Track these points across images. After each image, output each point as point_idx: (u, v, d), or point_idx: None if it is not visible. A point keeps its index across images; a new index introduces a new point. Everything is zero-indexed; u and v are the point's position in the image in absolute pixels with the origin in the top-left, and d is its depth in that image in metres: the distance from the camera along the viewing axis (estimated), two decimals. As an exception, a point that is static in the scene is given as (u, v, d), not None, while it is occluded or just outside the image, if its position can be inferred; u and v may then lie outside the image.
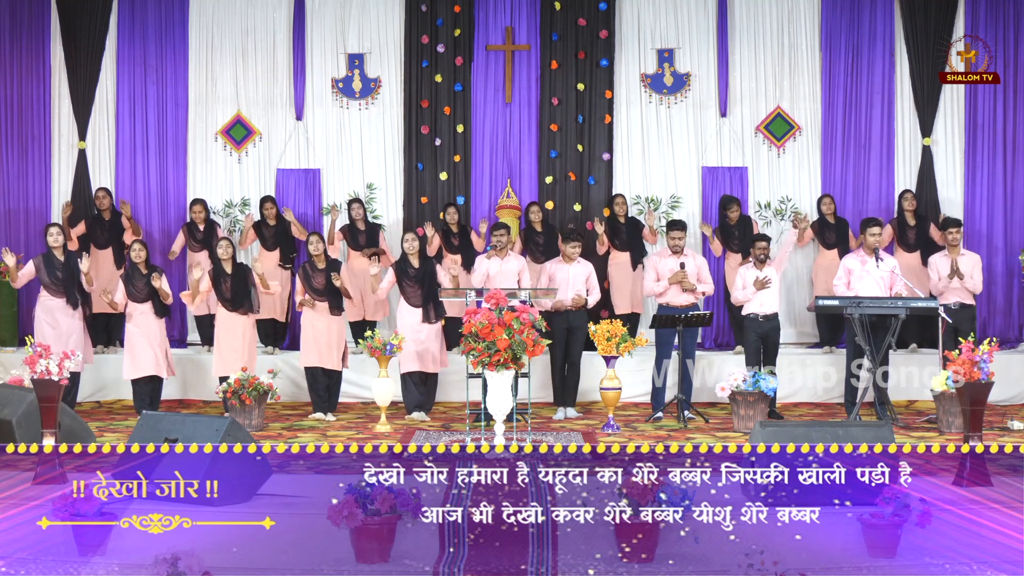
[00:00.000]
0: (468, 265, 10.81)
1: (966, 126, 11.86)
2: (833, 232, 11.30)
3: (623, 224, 11.35)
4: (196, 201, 11.35)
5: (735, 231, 11.27)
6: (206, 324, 10.99)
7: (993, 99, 11.76)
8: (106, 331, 11.07)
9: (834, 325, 11.15)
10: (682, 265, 9.77)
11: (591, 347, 9.57)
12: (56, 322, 9.84)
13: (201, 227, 11.22)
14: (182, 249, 11.31)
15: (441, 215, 11.43)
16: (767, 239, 9.94)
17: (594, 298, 10.08)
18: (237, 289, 9.75)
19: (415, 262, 9.85)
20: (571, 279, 9.94)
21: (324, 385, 9.86)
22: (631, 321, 10.93)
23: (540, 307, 9.52)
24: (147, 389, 9.77)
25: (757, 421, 7.84)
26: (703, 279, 9.93)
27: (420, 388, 9.79)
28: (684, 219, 11.10)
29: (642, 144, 11.96)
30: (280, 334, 11.33)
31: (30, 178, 11.83)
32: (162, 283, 9.72)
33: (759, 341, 9.74)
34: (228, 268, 9.79)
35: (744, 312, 9.88)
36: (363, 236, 11.19)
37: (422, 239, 10.30)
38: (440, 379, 10.21)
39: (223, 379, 9.53)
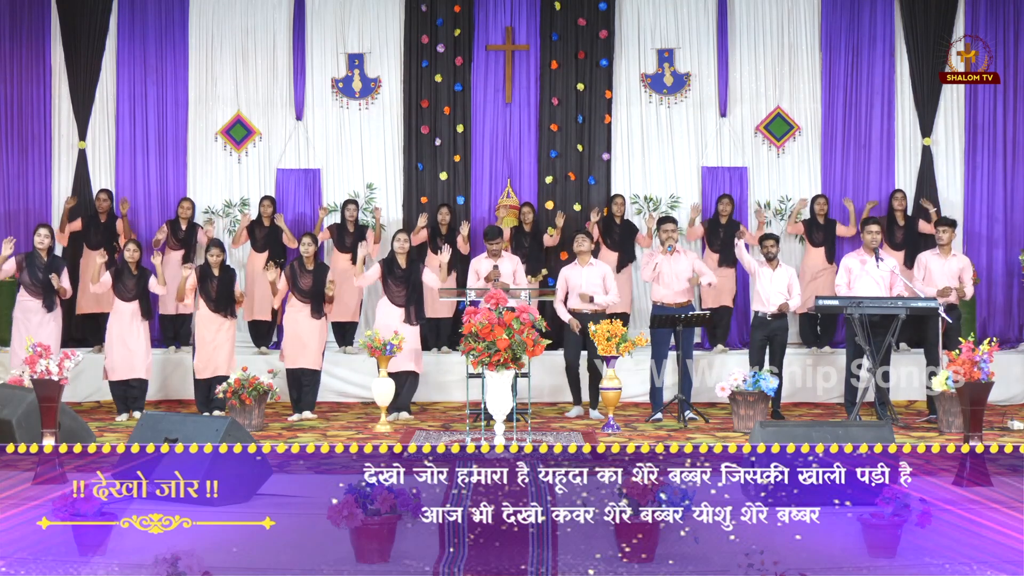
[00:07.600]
0: (450, 268, 10.68)
1: (966, 126, 11.85)
2: (821, 232, 11.36)
3: (618, 225, 11.36)
4: (186, 199, 11.37)
5: (720, 232, 11.27)
6: (168, 324, 11.11)
7: (993, 99, 11.76)
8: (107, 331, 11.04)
9: (827, 327, 11.16)
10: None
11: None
12: (32, 324, 9.78)
13: (183, 226, 11.22)
14: (163, 242, 11.18)
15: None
16: (774, 237, 9.93)
17: (610, 298, 9.85)
18: (223, 291, 9.77)
19: (402, 262, 9.85)
20: (585, 282, 9.81)
21: (302, 385, 9.81)
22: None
23: (578, 310, 9.66)
24: (121, 391, 9.78)
25: (757, 421, 7.84)
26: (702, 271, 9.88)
27: (398, 388, 9.67)
28: (683, 219, 11.10)
29: (642, 144, 11.96)
30: (267, 333, 11.28)
31: (30, 178, 11.84)
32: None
33: (765, 340, 9.71)
34: (216, 271, 9.80)
35: (753, 309, 9.89)
36: (350, 237, 11.18)
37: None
38: (440, 379, 10.18)
39: (201, 381, 9.61)
